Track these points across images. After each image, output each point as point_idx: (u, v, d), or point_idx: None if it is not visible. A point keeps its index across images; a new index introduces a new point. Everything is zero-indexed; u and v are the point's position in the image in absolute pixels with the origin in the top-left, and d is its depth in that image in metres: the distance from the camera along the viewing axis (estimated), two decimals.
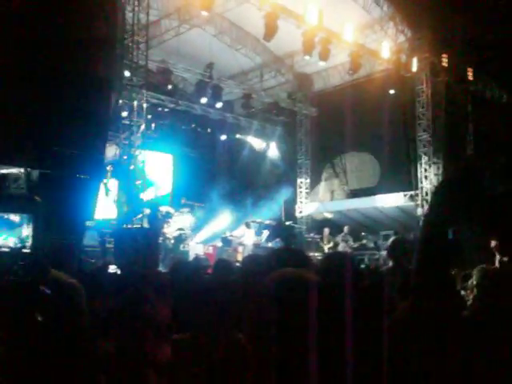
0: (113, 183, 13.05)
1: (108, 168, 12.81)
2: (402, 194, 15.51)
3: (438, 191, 1.34)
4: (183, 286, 3.50)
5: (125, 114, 12.44)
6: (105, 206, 13.02)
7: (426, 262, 1.46)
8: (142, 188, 12.22)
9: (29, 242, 9.25)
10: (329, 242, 14.47)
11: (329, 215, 17.26)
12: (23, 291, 2.01)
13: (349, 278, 2.31)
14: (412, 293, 1.47)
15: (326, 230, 14.90)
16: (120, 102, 12.27)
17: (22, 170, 9.83)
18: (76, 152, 9.56)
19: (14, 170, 10.77)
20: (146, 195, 12.64)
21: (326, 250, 13.96)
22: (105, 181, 12.81)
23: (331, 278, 1.74)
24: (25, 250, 8.19)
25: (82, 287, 1.95)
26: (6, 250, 8.10)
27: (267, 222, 15.31)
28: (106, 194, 12.95)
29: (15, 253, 7.76)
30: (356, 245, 13.92)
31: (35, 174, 9.71)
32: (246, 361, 1.74)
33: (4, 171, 10.97)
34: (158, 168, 16.67)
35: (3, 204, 10.08)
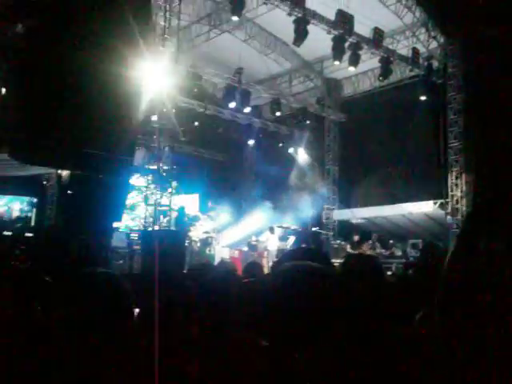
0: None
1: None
2: (431, 202, 15.22)
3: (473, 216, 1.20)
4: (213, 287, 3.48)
5: (154, 117, 12.59)
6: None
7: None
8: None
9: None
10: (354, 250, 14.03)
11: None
12: (23, 277, 1.92)
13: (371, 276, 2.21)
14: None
15: (356, 237, 14.38)
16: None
17: (54, 171, 10.06)
18: (105, 154, 9.69)
19: (46, 171, 11.03)
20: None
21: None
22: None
23: (352, 274, 1.67)
24: (27, 234, 8.20)
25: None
26: (8, 233, 8.15)
27: (293, 227, 15.21)
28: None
29: (17, 236, 7.78)
30: (384, 252, 13.64)
31: (66, 174, 9.91)
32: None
33: (38, 171, 11.26)
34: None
35: (13, 185, 10.23)
